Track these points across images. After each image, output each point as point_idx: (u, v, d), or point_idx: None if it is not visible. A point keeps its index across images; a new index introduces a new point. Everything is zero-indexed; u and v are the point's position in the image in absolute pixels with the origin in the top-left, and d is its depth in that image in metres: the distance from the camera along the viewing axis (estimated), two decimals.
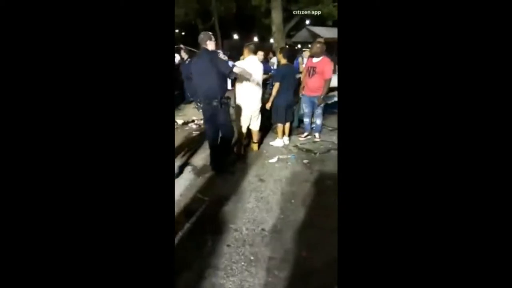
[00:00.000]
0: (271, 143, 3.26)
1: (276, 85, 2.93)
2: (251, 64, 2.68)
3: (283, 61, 2.97)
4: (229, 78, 2.83)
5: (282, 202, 2.03)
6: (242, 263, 1.46)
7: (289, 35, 9.84)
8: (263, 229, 1.72)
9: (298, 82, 3.41)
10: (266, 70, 3.48)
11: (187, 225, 1.76)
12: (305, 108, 3.32)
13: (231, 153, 2.64)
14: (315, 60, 3.02)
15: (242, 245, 1.58)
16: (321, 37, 8.20)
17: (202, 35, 2.31)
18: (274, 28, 7.16)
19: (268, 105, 3.08)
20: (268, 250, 1.55)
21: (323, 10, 7.41)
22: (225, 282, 1.34)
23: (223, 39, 10.77)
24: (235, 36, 17.00)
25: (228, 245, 1.58)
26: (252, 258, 1.49)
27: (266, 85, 3.46)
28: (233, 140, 2.71)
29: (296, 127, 3.65)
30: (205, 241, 1.61)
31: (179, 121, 4.11)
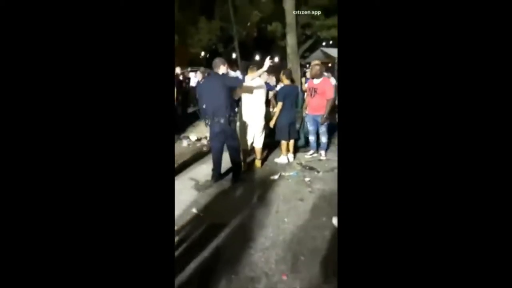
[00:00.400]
0: (275, 160, 3.28)
1: (279, 104, 3.01)
2: (255, 83, 2.81)
3: (286, 81, 3.06)
4: (234, 98, 2.99)
5: (274, 220, 2.02)
6: (221, 280, 1.46)
7: (303, 56, 10.13)
8: (249, 247, 1.72)
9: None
10: (269, 89, 3.58)
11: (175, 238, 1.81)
12: (309, 126, 3.34)
13: (239, 166, 2.71)
14: (315, 81, 3.10)
15: (226, 263, 1.59)
16: (332, 57, 8.27)
17: (216, 60, 2.54)
18: (289, 50, 7.41)
19: (271, 123, 3.15)
20: (250, 269, 1.53)
21: (335, 34, 7.57)
22: None
23: (242, 60, 11.29)
24: (257, 57, 17.74)
25: (209, 262, 1.60)
26: (232, 276, 1.49)
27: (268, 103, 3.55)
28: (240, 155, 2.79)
29: (303, 145, 3.64)
30: (188, 257, 1.64)
31: (192, 137, 4.30)
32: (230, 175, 2.72)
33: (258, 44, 15.11)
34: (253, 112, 2.86)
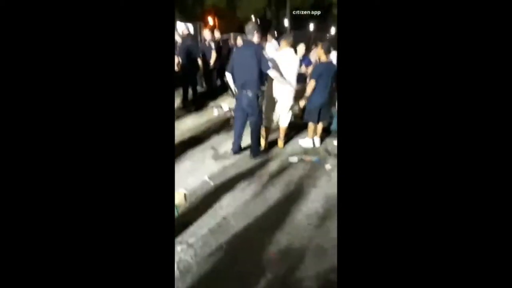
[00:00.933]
0: (300, 141, 3.13)
1: (312, 82, 2.76)
2: (286, 56, 2.60)
3: (323, 57, 2.75)
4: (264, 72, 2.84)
5: (273, 205, 1.97)
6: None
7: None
8: (248, 227, 1.73)
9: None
10: (306, 64, 3.29)
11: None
12: None
13: (258, 143, 2.67)
14: None
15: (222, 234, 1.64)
16: None
17: (250, 26, 2.36)
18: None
19: (301, 103, 2.95)
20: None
21: None
22: None
23: (291, 30, 10.55)
24: (311, 27, 16.32)
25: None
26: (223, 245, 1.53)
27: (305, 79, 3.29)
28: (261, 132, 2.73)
29: (336, 130, 3.38)
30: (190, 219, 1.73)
31: (224, 106, 4.33)
32: (249, 150, 2.70)
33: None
34: (281, 88, 2.69)
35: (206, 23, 11.71)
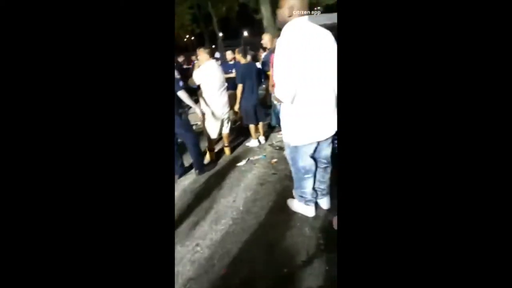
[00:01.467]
0: (246, 144, 3.19)
1: (239, 86, 2.85)
2: (208, 70, 2.63)
3: (243, 60, 2.86)
4: (191, 86, 2.84)
5: (229, 211, 1.97)
6: None
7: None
8: (197, 244, 1.69)
9: (266, 79, 3.27)
10: (226, 70, 3.37)
11: None
12: (278, 105, 3.18)
13: (200, 158, 2.63)
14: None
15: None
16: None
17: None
18: (265, 23, 7.00)
19: (236, 107, 3.01)
20: (192, 268, 1.51)
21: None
22: None
23: (223, 40, 10.78)
24: (245, 34, 16.82)
25: None
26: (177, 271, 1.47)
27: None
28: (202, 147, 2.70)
29: (276, 125, 3.51)
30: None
31: None
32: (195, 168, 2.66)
33: (241, 20, 14.29)
34: (212, 99, 2.72)
35: None
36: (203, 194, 2.25)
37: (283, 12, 1.37)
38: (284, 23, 1.37)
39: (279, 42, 1.33)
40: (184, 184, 2.48)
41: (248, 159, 2.79)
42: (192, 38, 18.20)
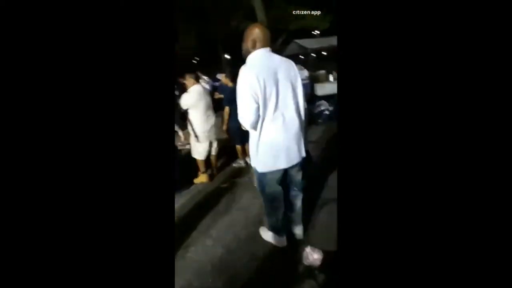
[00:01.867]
0: (233, 164, 3.19)
1: (226, 109, 2.90)
2: (194, 94, 2.70)
3: (230, 84, 2.94)
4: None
5: (200, 240, 1.93)
6: None
7: (278, 51, 9.99)
8: None
9: None
10: (213, 91, 3.43)
11: None
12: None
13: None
14: None
15: None
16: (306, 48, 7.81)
17: None
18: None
19: (224, 128, 3.05)
20: None
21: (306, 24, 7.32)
22: None
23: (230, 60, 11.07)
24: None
25: None
26: None
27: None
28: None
29: None
30: None
31: None
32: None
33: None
34: (199, 122, 2.76)
35: None
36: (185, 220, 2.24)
37: (246, 44, 1.43)
38: (247, 54, 1.43)
39: (242, 70, 1.37)
40: None
41: (232, 181, 2.78)
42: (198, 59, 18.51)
